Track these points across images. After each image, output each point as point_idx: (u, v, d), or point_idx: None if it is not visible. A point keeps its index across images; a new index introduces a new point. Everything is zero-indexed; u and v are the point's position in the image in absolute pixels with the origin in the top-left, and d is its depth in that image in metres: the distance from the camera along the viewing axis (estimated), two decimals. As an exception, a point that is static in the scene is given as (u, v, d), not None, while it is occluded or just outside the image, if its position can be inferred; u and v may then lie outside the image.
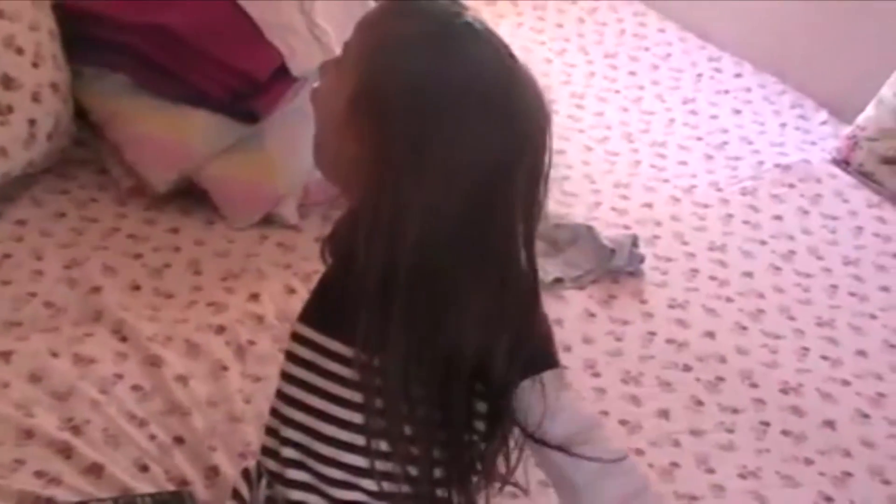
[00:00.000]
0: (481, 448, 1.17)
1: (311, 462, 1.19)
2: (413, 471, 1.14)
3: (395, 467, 1.14)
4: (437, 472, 1.16)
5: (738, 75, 2.95)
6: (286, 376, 1.22)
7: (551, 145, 1.11)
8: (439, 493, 1.17)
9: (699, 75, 2.94)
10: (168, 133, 2.10)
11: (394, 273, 1.07)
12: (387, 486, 1.16)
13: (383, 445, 1.14)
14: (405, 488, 1.16)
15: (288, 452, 1.20)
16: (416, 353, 1.09)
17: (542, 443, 1.14)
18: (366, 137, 1.07)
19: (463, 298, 1.08)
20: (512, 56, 1.11)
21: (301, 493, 1.20)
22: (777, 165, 2.56)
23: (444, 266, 1.08)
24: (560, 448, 1.13)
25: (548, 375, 1.14)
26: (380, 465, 1.15)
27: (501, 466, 1.21)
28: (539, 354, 1.15)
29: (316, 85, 1.17)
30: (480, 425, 1.15)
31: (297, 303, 1.87)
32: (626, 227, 2.25)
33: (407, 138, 1.06)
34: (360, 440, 1.15)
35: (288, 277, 1.96)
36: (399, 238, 1.06)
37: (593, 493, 1.16)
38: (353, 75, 1.09)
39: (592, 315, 2.00)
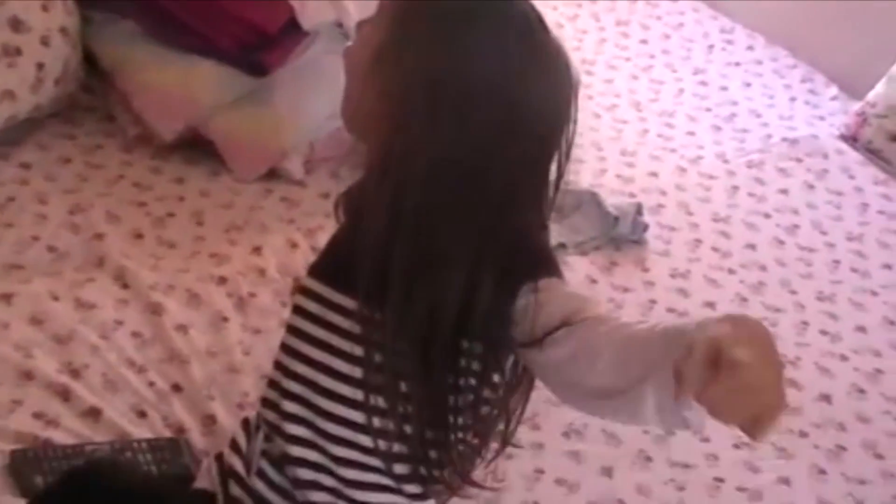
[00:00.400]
0: (474, 407, 1.17)
1: (311, 416, 1.19)
2: (407, 429, 1.14)
3: (391, 424, 1.14)
4: (430, 434, 1.16)
5: (749, 48, 2.93)
6: (291, 329, 1.22)
7: (574, 119, 1.10)
8: (432, 454, 1.17)
9: (710, 46, 2.92)
10: (176, 83, 2.09)
11: (398, 219, 1.07)
12: (382, 443, 1.16)
13: (381, 401, 1.14)
14: (399, 447, 1.16)
15: (289, 406, 1.20)
16: (408, 306, 1.09)
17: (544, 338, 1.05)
18: (387, 92, 1.08)
19: (455, 249, 1.08)
20: (542, 23, 1.11)
21: (300, 449, 1.20)
22: (784, 139, 2.55)
23: (443, 214, 1.08)
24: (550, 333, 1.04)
25: (542, 283, 1.09)
26: (377, 422, 1.15)
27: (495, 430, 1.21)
28: (531, 270, 1.10)
29: (349, 43, 1.17)
30: (470, 381, 1.15)
31: (300, 257, 1.89)
32: (632, 196, 2.25)
33: (423, 84, 1.06)
34: (360, 395, 1.15)
35: (291, 232, 1.96)
36: (407, 181, 1.07)
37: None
38: (381, 28, 1.11)
39: (594, 281, 2.00)
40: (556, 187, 1.13)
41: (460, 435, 1.17)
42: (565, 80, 1.10)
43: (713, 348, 0.83)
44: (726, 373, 0.82)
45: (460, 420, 1.16)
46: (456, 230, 1.08)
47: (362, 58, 1.11)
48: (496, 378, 1.15)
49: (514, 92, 1.07)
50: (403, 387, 1.12)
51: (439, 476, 1.18)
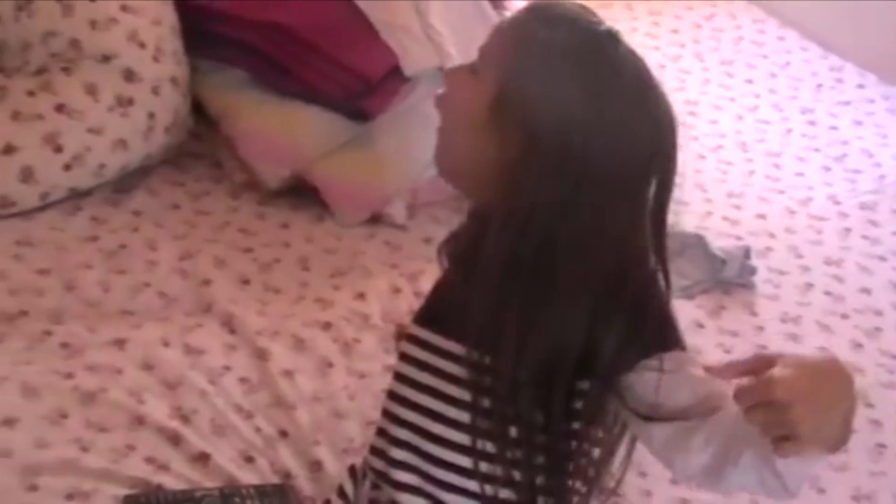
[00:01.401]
0: (585, 453, 1.16)
1: (419, 462, 1.19)
2: (516, 475, 1.13)
3: (499, 470, 1.14)
4: (540, 479, 1.15)
5: (860, 86, 2.87)
6: (398, 376, 1.23)
7: (680, 157, 1.13)
8: (541, 501, 1.16)
9: (819, 85, 2.86)
10: (281, 129, 2.13)
11: (516, 269, 1.08)
12: (489, 489, 1.15)
13: (490, 447, 1.14)
14: (507, 493, 1.15)
15: (397, 453, 1.21)
16: (525, 352, 1.08)
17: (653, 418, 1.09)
18: (509, 142, 1.09)
19: (577, 297, 1.09)
20: (648, 68, 1.13)
21: (408, 497, 1.20)
22: (900, 180, 2.49)
23: (562, 265, 1.09)
24: (675, 417, 1.08)
25: (668, 356, 1.10)
26: (485, 468, 1.15)
27: (605, 477, 1.20)
28: (661, 334, 1.12)
29: (441, 91, 1.18)
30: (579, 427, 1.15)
31: (402, 302, 1.90)
32: (739, 238, 2.20)
33: (550, 144, 1.08)
34: (468, 440, 1.15)
35: (394, 277, 1.97)
36: (528, 235, 1.08)
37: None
38: (495, 80, 1.11)
39: (701, 326, 1.96)
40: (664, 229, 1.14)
41: (571, 482, 1.16)
42: (672, 125, 1.12)
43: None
44: (763, 384, 0.93)
45: (572, 465, 1.15)
46: (577, 276, 1.09)
47: (468, 108, 1.12)
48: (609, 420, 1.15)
49: (630, 136, 1.10)
50: (514, 432, 1.11)
51: None
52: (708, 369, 1.07)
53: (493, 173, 1.11)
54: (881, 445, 1.74)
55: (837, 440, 0.97)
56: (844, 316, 2.02)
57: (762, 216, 2.31)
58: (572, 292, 1.09)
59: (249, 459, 1.55)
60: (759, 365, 0.96)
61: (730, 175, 2.46)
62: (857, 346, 1.96)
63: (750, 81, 2.86)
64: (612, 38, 1.11)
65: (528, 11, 1.16)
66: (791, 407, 0.92)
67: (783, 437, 0.93)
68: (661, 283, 1.16)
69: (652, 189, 1.12)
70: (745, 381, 0.96)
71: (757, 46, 3.03)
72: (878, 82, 2.87)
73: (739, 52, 2.99)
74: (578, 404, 1.13)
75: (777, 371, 0.93)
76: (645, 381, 1.09)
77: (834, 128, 2.68)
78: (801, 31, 3.08)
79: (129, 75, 2.00)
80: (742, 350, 1.91)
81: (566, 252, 1.09)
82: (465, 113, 1.14)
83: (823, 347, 1.94)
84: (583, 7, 1.15)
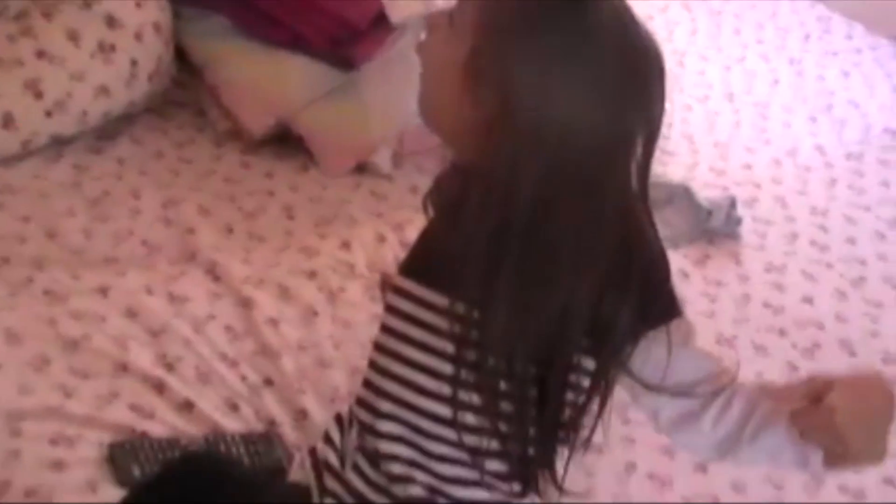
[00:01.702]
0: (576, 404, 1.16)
1: (406, 414, 1.18)
2: (504, 427, 1.13)
3: (485, 422, 1.13)
4: (532, 431, 1.15)
5: (848, 37, 2.86)
6: (385, 328, 1.22)
7: (667, 108, 1.10)
8: (531, 451, 1.16)
9: (807, 35, 2.86)
10: (265, 77, 2.11)
11: (506, 234, 1.06)
12: (469, 439, 1.15)
13: (475, 399, 1.13)
14: (493, 444, 1.15)
15: (383, 405, 1.20)
16: (524, 311, 1.07)
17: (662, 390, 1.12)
18: (484, 101, 1.06)
19: (578, 258, 1.07)
20: (633, 18, 1.09)
21: (393, 445, 1.20)
22: (886, 130, 2.48)
23: (558, 227, 1.06)
24: (681, 393, 1.12)
25: (673, 325, 1.11)
26: (471, 420, 1.14)
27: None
28: (665, 304, 1.12)
29: (423, 38, 1.16)
30: (583, 381, 1.14)
31: (388, 252, 1.89)
32: (725, 189, 2.20)
33: (529, 105, 1.04)
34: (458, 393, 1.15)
35: (379, 226, 1.96)
36: (514, 201, 1.05)
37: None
38: (470, 37, 1.08)
39: (686, 275, 1.96)
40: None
41: (562, 432, 1.16)
42: (661, 72, 1.09)
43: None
44: (823, 411, 1.00)
45: (565, 416, 1.15)
46: (575, 245, 1.06)
47: (449, 66, 1.08)
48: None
49: (612, 94, 1.06)
50: (504, 386, 1.10)
51: (538, 472, 1.17)
52: (768, 392, 1.12)
53: (472, 129, 1.07)
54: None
55: (881, 454, 1.04)
56: (829, 265, 2.03)
57: (748, 166, 2.31)
58: (572, 262, 1.06)
59: (234, 407, 1.55)
60: (817, 389, 1.02)
61: (717, 126, 2.46)
62: (842, 294, 1.97)
63: (737, 32, 2.85)
64: None
65: None
66: (848, 433, 1.00)
67: (837, 457, 1.04)
68: (659, 245, 1.14)
69: (639, 142, 1.08)
70: (801, 404, 1.03)
71: (745, -4, 3.01)
72: (865, 33, 2.86)
73: (727, 2, 2.97)
74: (574, 377, 1.12)
75: (835, 398, 1.00)
76: (651, 352, 1.10)
77: (821, 78, 2.67)
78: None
79: (111, 21, 1.97)
80: (727, 299, 1.92)
81: (561, 220, 1.05)
82: (442, 65, 1.10)
83: (808, 297, 1.95)
84: None
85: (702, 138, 2.39)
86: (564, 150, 1.05)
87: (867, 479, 1.60)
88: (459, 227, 1.10)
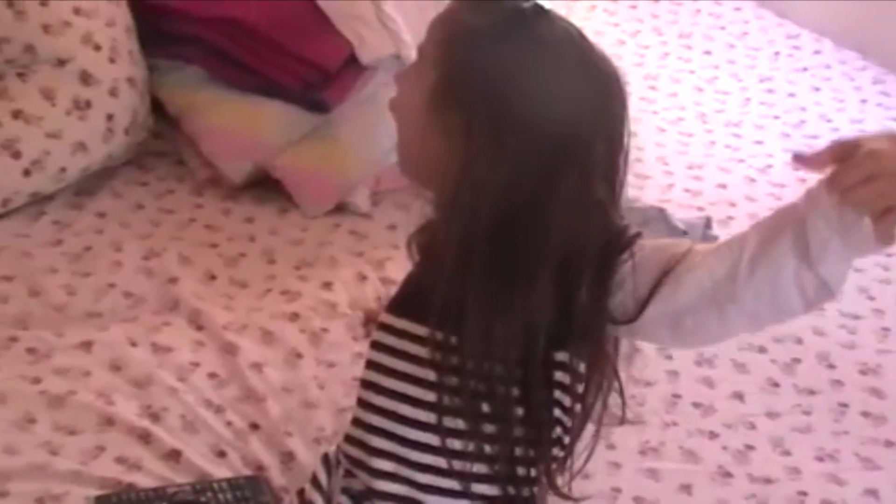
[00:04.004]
0: (565, 423, 1.19)
1: (396, 448, 1.21)
2: (490, 449, 1.16)
3: (471, 446, 1.16)
4: (518, 451, 1.17)
5: (817, 52, 2.89)
6: (371, 364, 1.25)
7: (629, 117, 1.15)
8: (520, 471, 1.18)
9: (776, 53, 2.89)
10: (242, 124, 2.14)
11: (471, 249, 1.10)
12: (458, 464, 1.17)
13: (460, 424, 1.16)
14: (482, 467, 1.17)
15: (374, 440, 1.23)
16: (494, 329, 1.11)
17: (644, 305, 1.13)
18: (450, 129, 1.11)
19: (537, 272, 1.11)
20: (582, 35, 1.14)
21: (386, 483, 1.22)
22: (857, 143, 2.50)
23: (517, 242, 1.11)
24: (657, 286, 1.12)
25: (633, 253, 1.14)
26: (458, 445, 1.16)
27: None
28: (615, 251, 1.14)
29: (393, 95, 1.20)
30: (561, 397, 1.17)
31: (369, 289, 1.91)
32: (700, 209, 2.23)
33: (489, 122, 1.10)
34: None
35: (360, 265, 1.98)
36: (478, 215, 1.10)
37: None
38: (432, 73, 1.14)
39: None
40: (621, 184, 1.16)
41: (555, 450, 1.19)
42: (616, 83, 1.14)
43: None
44: (868, 157, 0.98)
45: (554, 433, 1.18)
46: (537, 250, 1.11)
47: (415, 104, 1.14)
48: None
49: (569, 102, 1.11)
50: (486, 407, 1.14)
51: (528, 494, 1.19)
52: (796, 160, 1.08)
53: (445, 163, 1.12)
54: (843, 405, 1.77)
55: None
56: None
57: (723, 186, 2.34)
58: (534, 267, 1.11)
59: (221, 454, 1.57)
60: (845, 149, 1.01)
61: (690, 147, 2.48)
62: (819, 309, 1.97)
63: (708, 53, 2.88)
64: (538, 11, 1.13)
65: (455, 3, 1.18)
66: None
67: (886, 210, 1.00)
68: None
69: (601, 149, 1.12)
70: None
71: (714, 18, 3.05)
72: (833, 48, 2.90)
73: (697, 25, 3.01)
74: (557, 374, 1.16)
75: (874, 145, 0.99)
76: (623, 282, 1.13)
77: (792, 94, 2.70)
78: (756, 0, 3.11)
79: (86, 78, 2.00)
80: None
81: (521, 228, 1.10)
82: (412, 110, 1.16)
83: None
84: None
85: (676, 160, 2.41)
86: (524, 161, 1.10)
87: (849, 491, 1.61)
88: (434, 258, 1.15)
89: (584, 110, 1.11)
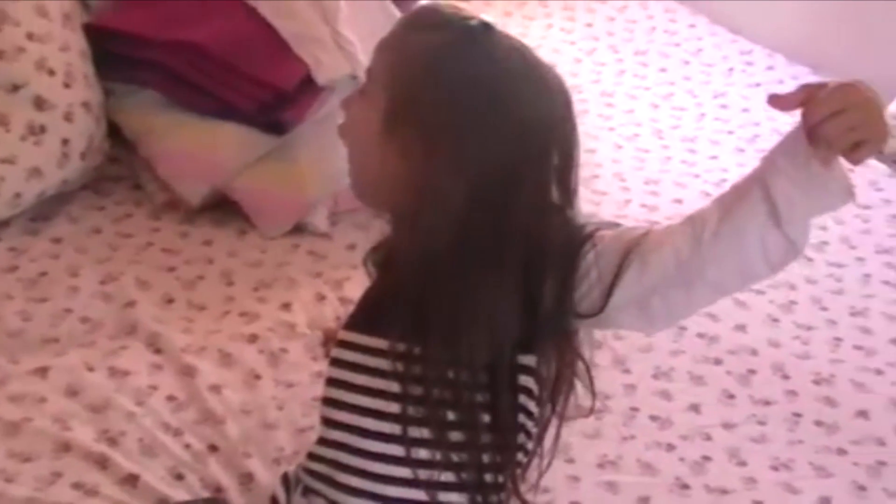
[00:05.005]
0: (529, 429, 1.20)
1: (361, 462, 1.21)
2: (457, 457, 1.16)
3: (438, 455, 1.17)
4: (486, 457, 1.18)
5: (770, 68, 2.94)
6: (331, 381, 1.26)
7: (577, 124, 1.18)
8: (488, 478, 1.19)
9: (730, 69, 2.93)
10: (198, 147, 2.14)
11: (433, 262, 1.12)
12: (425, 474, 1.18)
13: (425, 433, 1.16)
14: (449, 476, 1.18)
15: (339, 456, 1.23)
16: (459, 336, 1.12)
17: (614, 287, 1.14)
18: (407, 149, 1.12)
19: (501, 278, 1.13)
20: (527, 49, 1.18)
21: (354, 500, 1.22)
22: (809, 157, 2.53)
23: (479, 252, 1.12)
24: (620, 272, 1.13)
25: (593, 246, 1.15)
26: (425, 454, 1.17)
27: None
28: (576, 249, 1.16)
29: (342, 121, 1.21)
30: (526, 402, 1.18)
31: (328, 309, 1.91)
32: (656, 224, 2.24)
33: (447, 139, 1.12)
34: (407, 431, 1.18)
35: (319, 285, 1.99)
36: (440, 230, 1.11)
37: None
38: (383, 95, 1.15)
39: (622, 313, 1.99)
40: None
41: (519, 456, 1.20)
42: (563, 92, 1.17)
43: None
44: (835, 91, 1.03)
45: (520, 439, 1.19)
46: (497, 259, 1.13)
47: (367, 128, 1.15)
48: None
49: (522, 116, 1.13)
50: (451, 415, 1.15)
51: (496, 501, 1.21)
52: (771, 101, 1.11)
53: (402, 184, 1.13)
54: (797, 415, 1.79)
55: (884, 136, 1.07)
56: (759, 292, 2.07)
57: (679, 201, 2.36)
58: (497, 273, 1.12)
59: (179, 477, 1.56)
60: (813, 90, 1.06)
61: (647, 162, 2.51)
62: (774, 320, 2.01)
63: (664, 70, 2.92)
64: (484, 29, 1.15)
65: (402, 22, 1.20)
66: (866, 107, 1.03)
67: (855, 144, 1.04)
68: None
69: (555, 158, 1.15)
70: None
71: (669, 35, 3.09)
72: (786, 63, 2.94)
73: (653, 42, 3.05)
74: (522, 378, 1.17)
75: (840, 82, 1.05)
76: (586, 275, 1.14)
77: (746, 110, 2.74)
78: (710, 17, 3.15)
79: (40, 103, 2.00)
80: (663, 332, 1.96)
81: (483, 237, 1.12)
82: (364, 134, 1.17)
83: (740, 325, 1.99)
84: (455, 7, 1.19)
85: (632, 175, 2.44)
86: (484, 174, 1.11)
87: (804, 500, 1.63)
88: (392, 271, 1.16)
89: (538, 120, 1.14)
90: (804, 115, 1.06)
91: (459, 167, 1.11)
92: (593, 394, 1.24)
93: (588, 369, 1.23)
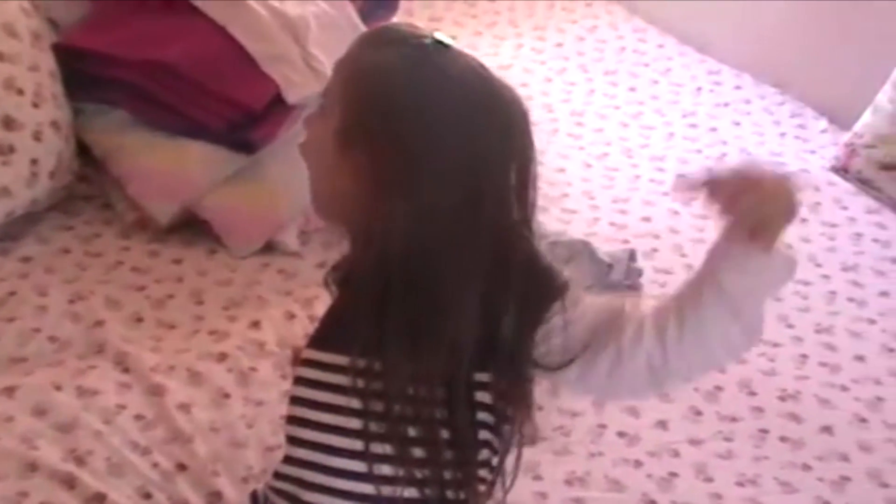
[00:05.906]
0: (493, 444, 1.21)
1: (326, 479, 1.21)
2: (419, 473, 1.17)
3: (401, 471, 1.17)
4: (447, 474, 1.19)
5: (737, 87, 2.97)
6: (295, 399, 1.26)
7: (534, 141, 1.18)
8: (450, 494, 1.19)
9: (699, 89, 2.96)
10: (168, 166, 2.14)
11: (388, 282, 1.12)
12: (388, 490, 1.18)
13: (388, 449, 1.17)
14: (412, 492, 1.18)
15: (304, 474, 1.23)
16: (417, 356, 1.13)
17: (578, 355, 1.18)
18: (358, 167, 1.12)
19: (461, 294, 1.13)
20: (483, 66, 1.17)
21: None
22: (776, 174, 2.56)
23: (437, 269, 1.12)
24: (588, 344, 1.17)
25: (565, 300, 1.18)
26: (388, 470, 1.18)
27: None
28: (546, 294, 1.18)
29: (302, 140, 1.22)
30: (486, 418, 1.19)
31: (298, 328, 1.92)
32: (625, 242, 2.26)
33: (396, 157, 1.11)
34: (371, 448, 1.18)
35: (289, 304, 1.99)
36: (391, 249, 1.11)
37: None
38: (336, 113, 1.15)
39: (591, 330, 2.00)
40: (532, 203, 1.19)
41: (480, 472, 1.21)
42: (519, 108, 1.17)
43: None
44: (732, 175, 1.10)
45: (482, 456, 1.19)
46: (455, 275, 1.13)
47: (323, 145, 1.15)
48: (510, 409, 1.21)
49: (477, 131, 1.13)
50: (413, 432, 1.15)
51: None
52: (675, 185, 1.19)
53: (355, 203, 1.14)
54: (763, 431, 1.80)
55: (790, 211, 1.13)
56: (727, 310, 2.08)
57: (647, 219, 2.38)
58: (457, 290, 1.13)
59: (147, 496, 1.56)
60: (714, 175, 1.12)
61: (616, 181, 2.53)
62: (741, 337, 2.03)
63: (633, 89, 2.94)
64: (437, 46, 1.15)
65: (358, 41, 1.20)
66: (760, 188, 1.09)
67: (755, 230, 1.11)
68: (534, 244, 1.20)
69: (513, 172, 1.16)
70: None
71: (639, 55, 3.11)
72: (753, 83, 2.97)
73: (622, 62, 3.07)
74: (480, 395, 1.17)
75: (738, 165, 1.11)
76: (552, 335, 1.17)
77: (714, 129, 2.77)
78: (679, 38, 3.18)
79: (9, 122, 1.99)
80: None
81: (438, 256, 1.12)
82: (320, 153, 1.17)
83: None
84: (410, 26, 1.19)
85: (601, 194, 2.46)
86: (436, 194, 1.11)
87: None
88: (351, 290, 1.16)
89: (493, 137, 1.14)
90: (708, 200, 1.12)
91: (410, 189, 1.11)
92: (534, 426, 1.27)
93: (530, 407, 1.24)
